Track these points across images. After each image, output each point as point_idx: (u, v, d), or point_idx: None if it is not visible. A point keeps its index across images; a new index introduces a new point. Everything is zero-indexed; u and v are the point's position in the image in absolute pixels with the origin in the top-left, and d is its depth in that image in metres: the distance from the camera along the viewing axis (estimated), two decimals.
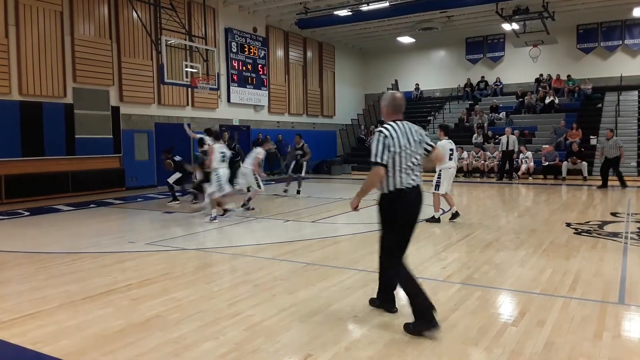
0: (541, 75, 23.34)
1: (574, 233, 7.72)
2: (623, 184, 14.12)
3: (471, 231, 7.95)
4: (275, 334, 3.79)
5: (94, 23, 14.60)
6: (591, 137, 18.99)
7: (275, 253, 6.74)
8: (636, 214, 9.62)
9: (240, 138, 18.56)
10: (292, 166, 13.99)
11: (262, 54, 20.76)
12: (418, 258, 6.26)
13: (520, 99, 22.62)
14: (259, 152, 10.85)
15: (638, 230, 7.87)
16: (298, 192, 13.63)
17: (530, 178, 17.42)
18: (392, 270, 4.05)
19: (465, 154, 19.10)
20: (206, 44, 16.41)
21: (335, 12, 18.94)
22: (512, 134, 17.72)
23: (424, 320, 3.72)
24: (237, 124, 19.89)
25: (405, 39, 24.33)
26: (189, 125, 14.66)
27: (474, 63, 25.58)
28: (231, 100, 19.37)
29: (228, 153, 9.80)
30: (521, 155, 17.84)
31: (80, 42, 14.23)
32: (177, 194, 12.06)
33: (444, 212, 9.14)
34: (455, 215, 8.87)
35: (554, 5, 18.50)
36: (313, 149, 22.55)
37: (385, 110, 4.04)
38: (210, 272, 5.73)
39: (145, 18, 15.12)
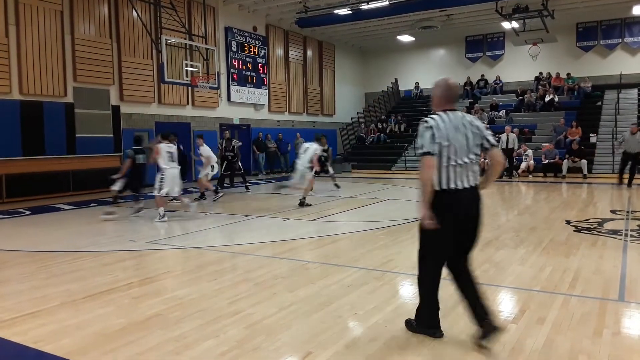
0: (541, 73, 23.34)
1: (574, 231, 7.72)
2: (630, 183, 13.80)
3: None
4: (275, 332, 3.80)
5: (94, 22, 14.61)
6: (591, 135, 18.99)
7: (276, 251, 6.75)
8: (636, 211, 9.62)
9: (240, 137, 18.58)
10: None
11: (262, 53, 20.76)
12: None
13: (520, 97, 22.62)
14: (316, 149, 10.82)
15: (638, 228, 7.88)
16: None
17: (530, 176, 17.41)
18: (419, 278, 3.65)
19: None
20: (206, 43, 16.42)
21: (335, 11, 18.94)
22: (512, 132, 17.73)
23: (426, 327, 3.65)
24: (237, 122, 19.90)
25: (405, 38, 24.33)
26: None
27: (473, 61, 25.59)
28: (231, 99, 19.38)
29: (175, 152, 9.73)
30: (523, 154, 17.85)
31: (80, 41, 14.24)
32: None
33: None
34: None
35: (553, 4, 18.49)
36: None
37: (438, 99, 3.55)
38: (211, 270, 5.74)
39: (145, 17, 15.12)
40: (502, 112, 22.08)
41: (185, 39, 15.46)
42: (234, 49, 19.35)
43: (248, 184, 14.49)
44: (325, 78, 25.03)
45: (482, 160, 18.12)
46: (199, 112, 18.17)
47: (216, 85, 15.85)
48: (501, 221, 8.86)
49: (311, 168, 10.98)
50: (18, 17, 12.90)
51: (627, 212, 9.61)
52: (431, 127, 3.38)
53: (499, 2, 17.74)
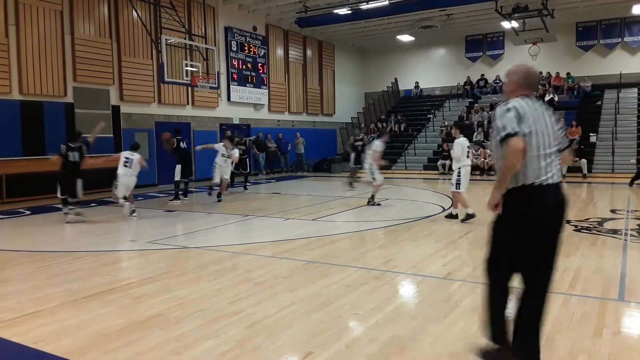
0: (540, 72, 23.28)
1: (574, 230, 7.72)
2: (632, 182, 13.66)
3: (471, 229, 7.96)
4: (276, 332, 3.81)
5: (94, 22, 14.60)
6: (590, 134, 19.00)
7: (276, 251, 6.76)
8: (636, 210, 9.62)
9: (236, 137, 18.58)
10: (352, 158, 14.57)
11: (262, 53, 20.76)
12: (418, 255, 6.28)
13: None
14: (377, 145, 10.78)
15: (638, 227, 7.88)
16: (351, 184, 14.34)
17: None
18: (486, 287, 3.21)
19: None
20: (206, 43, 16.40)
21: (335, 11, 18.94)
22: None
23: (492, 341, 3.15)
24: (237, 122, 19.89)
25: (405, 38, 24.32)
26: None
27: (473, 61, 25.57)
28: (231, 99, 19.38)
29: (132, 158, 9.73)
30: None
31: (80, 41, 14.23)
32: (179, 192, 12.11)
33: (443, 209, 9.15)
34: (454, 216, 8.78)
35: (553, 3, 18.49)
36: (313, 147, 22.77)
37: (515, 84, 3.14)
38: (211, 270, 5.74)
39: (145, 17, 15.12)
40: None
41: (185, 38, 15.46)
42: (234, 49, 19.35)
43: (248, 184, 14.53)
44: (325, 78, 25.03)
45: (482, 159, 18.10)
46: (199, 112, 18.17)
47: (216, 85, 15.85)
48: None
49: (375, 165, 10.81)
50: (18, 17, 12.90)
51: (627, 211, 9.61)
52: (514, 108, 2.92)
53: (498, 2, 17.73)
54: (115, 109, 15.28)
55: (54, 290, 5.02)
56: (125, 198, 9.90)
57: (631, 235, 7.31)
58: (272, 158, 20.96)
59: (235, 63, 19.43)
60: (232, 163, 12.22)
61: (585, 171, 16.76)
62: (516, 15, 18.79)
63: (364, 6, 18.35)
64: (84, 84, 14.42)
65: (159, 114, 16.71)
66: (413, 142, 22.68)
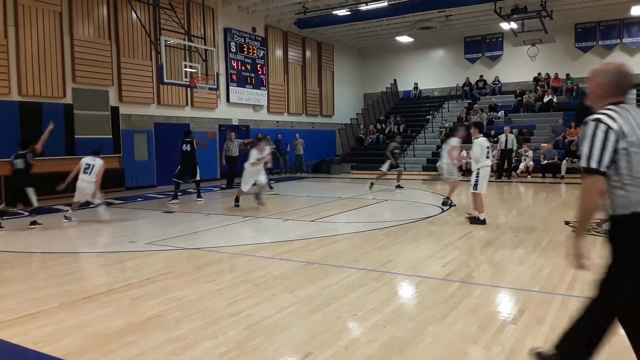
0: (539, 74, 23.36)
1: (573, 231, 7.71)
2: None
3: (470, 230, 7.96)
4: (275, 333, 3.81)
5: (93, 23, 14.61)
6: None
7: (275, 252, 6.76)
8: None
9: (239, 138, 18.56)
10: (388, 164, 14.52)
11: (261, 54, 20.77)
12: (418, 256, 6.29)
13: (519, 98, 22.63)
14: (454, 141, 10.49)
15: None
16: (398, 186, 14.45)
17: (529, 177, 17.43)
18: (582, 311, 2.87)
19: (464, 153, 19.11)
20: (205, 44, 16.41)
21: (334, 12, 18.96)
22: (511, 132, 17.75)
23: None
24: (237, 123, 19.90)
25: (404, 39, 24.33)
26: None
27: (472, 62, 25.60)
28: (230, 100, 19.38)
29: (93, 165, 9.47)
30: (524, 154, 17.88)
31: (79, 42, 14.24)
32: (178, 193, 12.19)
33: (442, 211, 9.10)
34: (480, 220, 8.41)
35: (552, 4, 18.52)
36: (312, 148, 22.75)
37: (603, 89, 2.67)
38: (210, 271, 5.74)
39: (144, 18, 15.13)
40: (501, 113, 22.08)
41: (184, 40, 15.47)
42: (233, 50, 19.36)
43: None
44: (324, 79, 25.04)
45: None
46: (198, 113, 18.17)
47: (215, 86, 15.86)
48: (500, 221, 8.86)
49: (455, 165, 10.62)
50: (17, 18, 12.90)
51: None
52: (609, 129, 2.47)
53: (497, 3, 17.76)
54: (115, 110, 15.28)
55: (53, 291, 5.02)
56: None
57: None
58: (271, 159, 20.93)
59: (235, 64, 19.43)
60: (264, 164, 11.27)
61: None
62: (515, 16, 18.82)
63: (363, 7, 18.38)
64: (83, 85, 14.42)
65: (158, 115, 16.72)
66: (412, 143, 22.68)
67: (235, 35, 19.40)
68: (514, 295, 4.73)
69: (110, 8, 15.08)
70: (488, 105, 22.85)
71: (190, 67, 14.92)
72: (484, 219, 8.38)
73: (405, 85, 27.08)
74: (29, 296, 4.89)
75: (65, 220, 9.40)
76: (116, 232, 8.65)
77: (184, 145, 12.12)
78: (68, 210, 9.66)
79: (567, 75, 22.47)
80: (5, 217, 9.19)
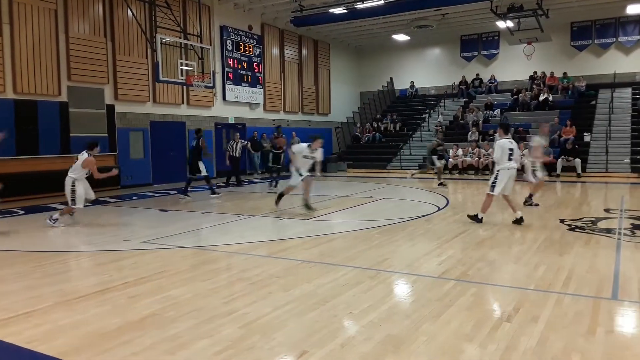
0: (535, 72, 23.40)
1: (568, 229, 7.76)
2: None
3: (466, 228, 7.98)
4: (270, 332, 3.81)
5: (88, 21, 14.55)
6: (585, 134, 19.07)
7: (271, 250, 6.76)
8: (629, 210, 9.67)
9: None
10: (430, 161, 14.84)
11: (258, 52, 20.73)
12: (413, 254, 6.30)
13: (515, 97, 22.69)
14: (537, 140, 10.26)
15: (631, 227, 7.92)
16: (441, 183, 14.52)
17: (524, 175, 17.42)
18: None
19: (460, 151, 19.22)
20: (201, 42, 16.36)
21: (331, 10, 18.93)
22: None
23: None
24: (233, 122, 19.87)
25: (400, 37, 24.35)
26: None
27: (468, 61, 25.63)
28: (226, 98, 19.35)
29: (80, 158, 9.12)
30: (520, 153, 17.92)
31: (75, 40, 14.18)
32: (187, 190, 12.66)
33: (438, 209, 9.11)
34: (519, 220, 8.20)
35: (548, 3, 18.55)
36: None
37: None
38: (206, 270, 5.73)
39: (140, 16, 15.07)
40: (497, 111, 22.13)
41: (180, 37, 15.42)
42: (229, 48, 19.31)
43: (242, 183, 14.61)
44: (321, 77, 25.02)
45: (477, 159, 18.11)
46: (194, 111, 18.13)
47: (211, 84, 15.82)
48: (496, 220, 8.89)
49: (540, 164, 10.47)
50: (12, 16, 12.83)
51: (621, 210, 9.66)
52: None
53: (493, 1, 17.78)
54: (110, 108, 15.23)
55: (48, 290, 5.00)
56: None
57: (624, 234, 7.34)
58: (267, 158, 20.91)
59: (231, 62, 19.39)
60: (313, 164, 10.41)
61: (579, 170, 16.83)
62: (511, 15, 18.84)
63: (360, 5, 18.36)
64: (79, 83, 14.36)
65: (154, 113, 16.67)
66: (408, 141, 22.70)
67: (231, 33, 19.36)
68: (509, 294, 4.74)
69: (105, 5, 15.02)
70: (484, 103, 22.90)
71: (186, 65, 14.88)
72: (482, 218, 8.39)
73: (401, 84, 27.08)
74: (23, 295, 4.87)
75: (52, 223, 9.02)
76: (111, 230, 8.63)
77: (193, 141, 12.50)
78: (68, 210, 9.54)
79: (564, 73, 22.53)
80: None
